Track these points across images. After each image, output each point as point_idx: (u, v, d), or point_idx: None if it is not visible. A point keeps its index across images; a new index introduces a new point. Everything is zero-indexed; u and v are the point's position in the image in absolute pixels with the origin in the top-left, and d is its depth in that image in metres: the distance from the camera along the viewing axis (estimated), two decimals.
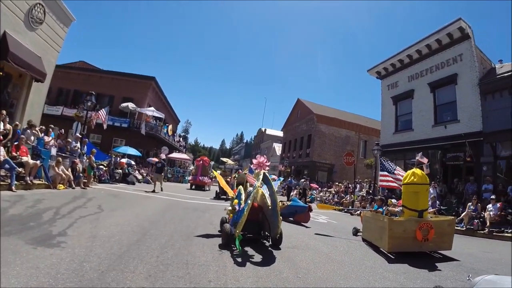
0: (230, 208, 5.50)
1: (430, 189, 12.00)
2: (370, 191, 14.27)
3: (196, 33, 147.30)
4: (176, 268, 3.27)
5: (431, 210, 10.57)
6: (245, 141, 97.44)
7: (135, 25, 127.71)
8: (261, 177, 5.32)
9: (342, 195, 17.45)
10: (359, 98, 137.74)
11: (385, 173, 8.51)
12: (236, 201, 5.36)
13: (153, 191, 12.68)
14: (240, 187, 5.72)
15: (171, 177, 25.23)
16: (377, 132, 22.25)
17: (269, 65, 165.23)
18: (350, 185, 18.19)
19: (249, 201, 4.66)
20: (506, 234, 8.66)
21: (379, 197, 9.54)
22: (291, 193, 19.16)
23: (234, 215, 5.17)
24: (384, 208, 7.41)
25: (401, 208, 5.89)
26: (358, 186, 17.55)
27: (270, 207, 4.91)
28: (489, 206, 9.54)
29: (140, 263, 3.29)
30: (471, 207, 9.96)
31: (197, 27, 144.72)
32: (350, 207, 14.47)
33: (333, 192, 18.93)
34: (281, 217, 5.03)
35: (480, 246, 7.44)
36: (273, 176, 31.73)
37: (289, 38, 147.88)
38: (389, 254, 5.32)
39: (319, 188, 21.66)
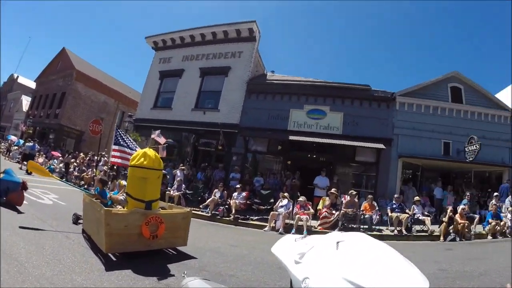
0: None
1: (178, 171, 11.64)
2: (114, 167, 12.19)
3: None
4: None
5: (177, 193, 10.05)
6: None
7: None
8: None
9: (84, 168, 14.14)
10: (129, 64, 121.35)
11: (120, 147, 6.87)
12: None
13: None
14: None
15: None
16: (137, 105, 20.21)
17: None
18: (95, 158, 14.74)
19: None
20: (250, 222, 9.00)
21: (99, 177, 7.31)
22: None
23: None
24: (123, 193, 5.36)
25: (125, 196, 4.34)
26: (103, 159, 14.62)
27: None
28: (235, 194, 9.84)
29: None
30: (218, 193, 9.91)
31: None
32: (92, 183, 11.82)
33: (75, 164, 15.13)
34: None
35: (225, 237, 6.77)
36: (12, 137, 23.45)
37: None
38: (110, 255, 4.10)
39: (61, 158, 16.92)
